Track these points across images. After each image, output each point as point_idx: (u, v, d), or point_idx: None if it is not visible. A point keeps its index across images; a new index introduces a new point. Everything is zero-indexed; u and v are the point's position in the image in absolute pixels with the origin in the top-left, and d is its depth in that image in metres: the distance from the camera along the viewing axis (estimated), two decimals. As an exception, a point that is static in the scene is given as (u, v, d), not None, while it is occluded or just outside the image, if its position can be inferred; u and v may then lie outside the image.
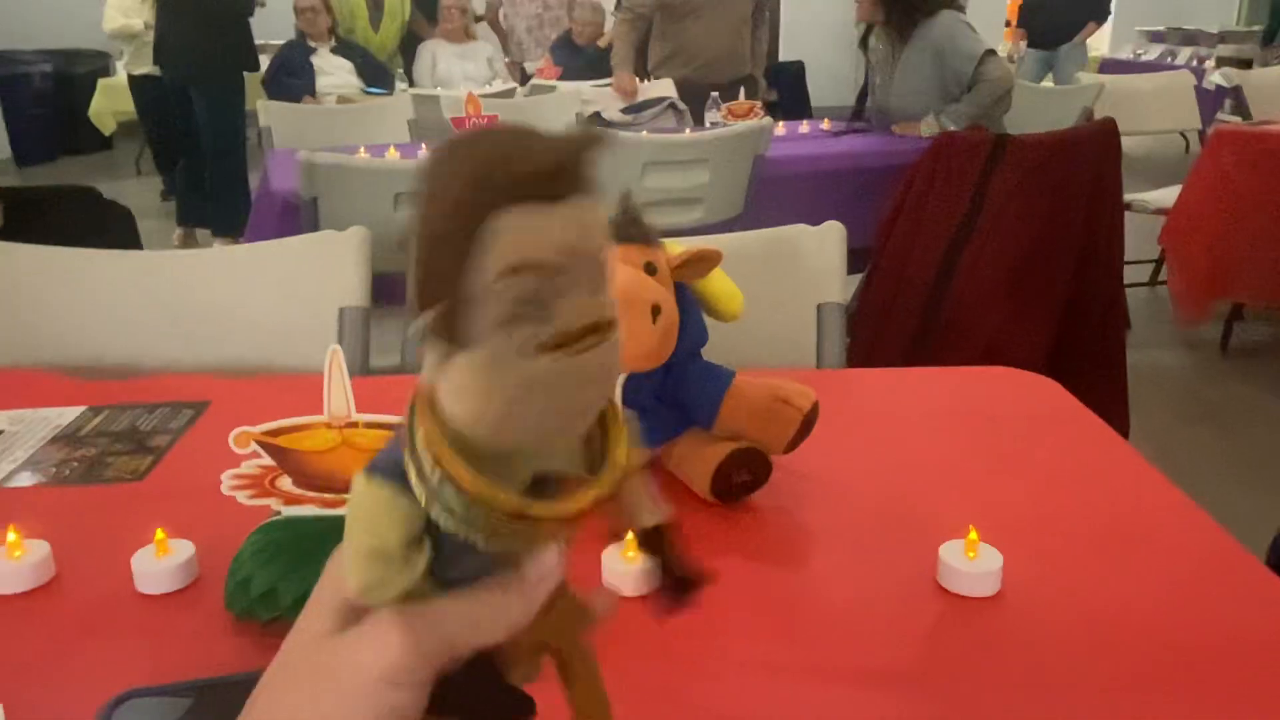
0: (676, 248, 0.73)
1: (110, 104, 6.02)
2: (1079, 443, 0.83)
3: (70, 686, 0.56)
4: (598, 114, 3.14)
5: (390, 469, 0.27)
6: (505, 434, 0.26)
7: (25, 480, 0.80)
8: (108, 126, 6.15)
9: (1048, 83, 5.86)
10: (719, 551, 0.68)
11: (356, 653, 0.29)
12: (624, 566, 0.63)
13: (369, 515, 0.28)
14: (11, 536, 0.65)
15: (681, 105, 3.26)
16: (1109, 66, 6.86)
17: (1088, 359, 2.05)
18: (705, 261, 0.72)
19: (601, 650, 0.57)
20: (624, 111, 3.20)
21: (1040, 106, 3.38)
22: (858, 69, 3.19)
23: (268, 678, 0.31)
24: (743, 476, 0.72)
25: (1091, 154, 2.10)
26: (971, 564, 0.62)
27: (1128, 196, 2.59)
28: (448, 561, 0.29)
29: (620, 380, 0.72)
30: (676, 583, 0.34)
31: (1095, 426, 0.85)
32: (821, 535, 0.70)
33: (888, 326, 2.09)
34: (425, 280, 0.24)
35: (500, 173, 0.23)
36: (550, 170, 0.23)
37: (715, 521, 0.72)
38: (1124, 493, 0.75)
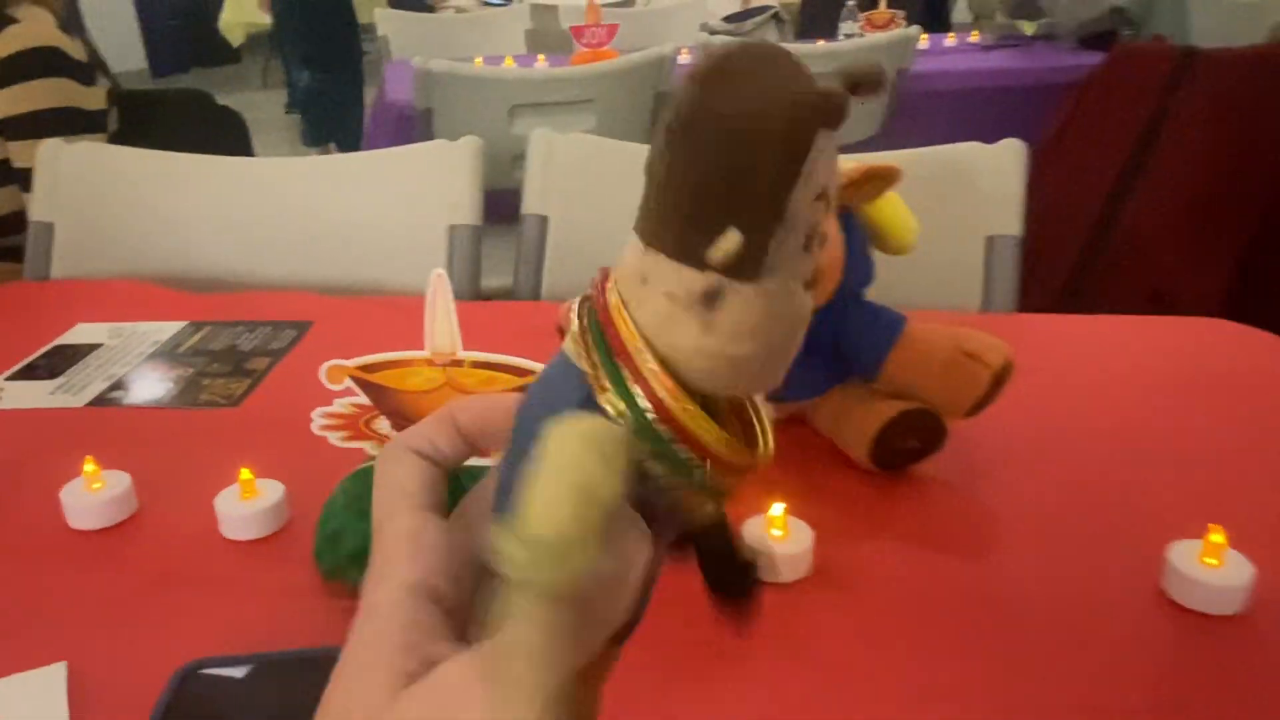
0: (847, 163, 0.60)
1: (239, 15, 6.09)
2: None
3: (141, 640, 0.50)
4: (705, 25, 2.97)
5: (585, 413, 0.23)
6: (760, 373, 0.23)
7: (118, 399, 0.75)
8: (236, 38, 6.24)
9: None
10: (874, 532, 0.57)
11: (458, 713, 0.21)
12: (771, 547, 0.52)
13: (581, 466, 0.22)
14: (89, 468, 0.59)
15: (784, 16, 3.05)
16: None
17: (1271, 307, 1.81)
18: (881, 180, 0.59)
19: (753, 645, 0.48)
20: (726, 20, 3.02)
21: (1236, 19, 3.00)
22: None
23: None
24: (910, 442, 0.60)
25: (1293, 74, 1.82)
26: (1211, 573, 0.49)
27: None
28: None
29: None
30: (737, 575, 0.29)
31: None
32: (1004, 520, 0.58)
33: (1039, 264, 1.89)
34: (731, 193, 0.21)
35: (818, 97, 0.21)
36: (845, 104, 0.21)
37: (872, 494, 0.60)
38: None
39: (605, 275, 0.25)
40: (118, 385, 0.77)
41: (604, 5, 2.96)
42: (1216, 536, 0.50)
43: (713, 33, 2.81)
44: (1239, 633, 0.48)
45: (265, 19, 5.18)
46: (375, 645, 0.24)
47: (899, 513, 0.59)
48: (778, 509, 0.53)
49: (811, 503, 0.55)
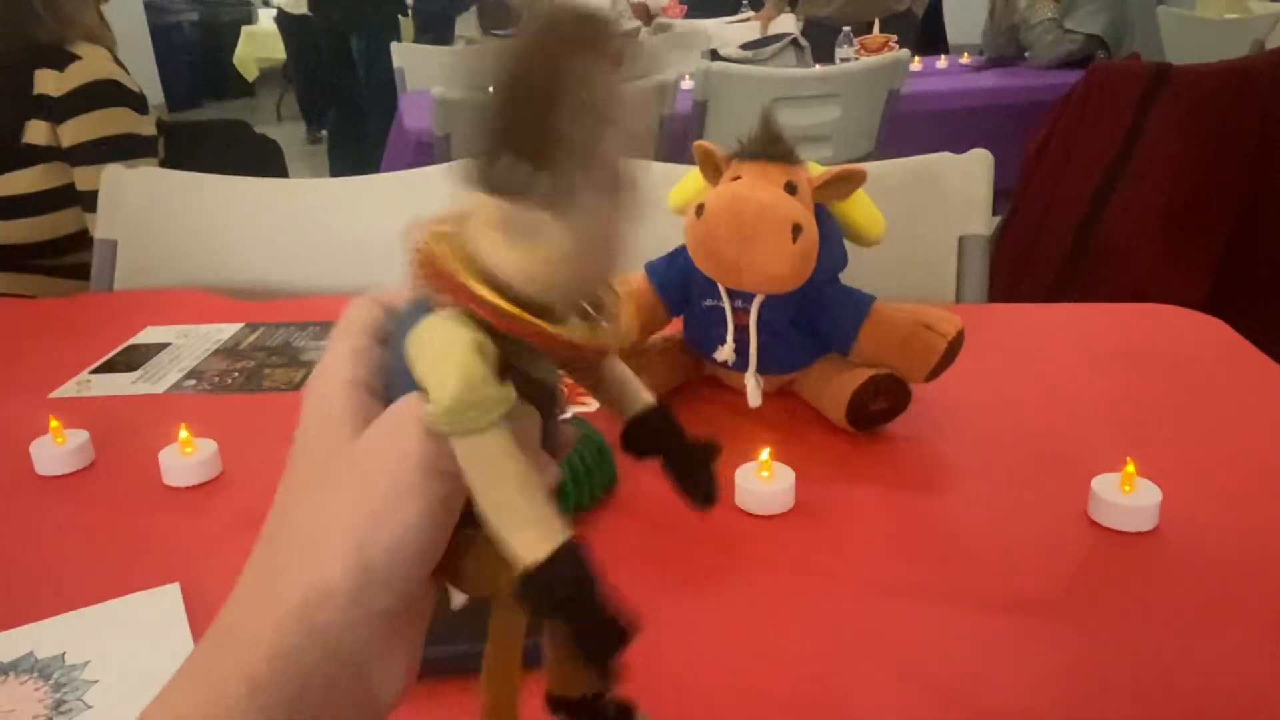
0: (818, 168, 0.71)
1: (253, 50, 6.28)
2: (1248, 382, 0.78)
3: (237, 570, 0.59)
4: (714, 51, 3.08)
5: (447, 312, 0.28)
6: (571, 280, 0.28)
7: (191, 387, 0.85)
8: (251, 73, 6.43)
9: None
10: (853, 479, 0.67)
11: (392, 444, 0.29)
12: (758, 486, 0.62)
13: (446, 343, 0.28)
14: (183, 434, 0.69)
15: (804, 42, 3.16)
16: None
17: (1252, 309, 1.91)
18: (849, 181, 0.70)
19: (740, 570, 0.58)
20: (743, 48, 3.13)
21: (1205, 37, 3.12)
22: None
23: (287, 495, 0.31)
24: (880, 404, 0.71)
25: (1265, 88, 1.93)
26: (1127, 498, 0.59)
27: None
28: None
29: (757, 303, 0.71)
30: (693, 459, 0.34)
31: (1265, 366, 0.79)
32: (962, 466, 0.68)
33: (1028, 269, 2.00)
34: (517, 124, 0.25)
35: (605, 37, 0.25)
36: (631, 47, 0.25)
37: (850, 449, 0.70)
38: (1297, 436, 0.70)
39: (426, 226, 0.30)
40: (190, 375, 0.88)
41: (609, 35, 3.08)
42: (1130, 468, 0.60)
43: (729, 60, 2.92)
44: (1152, 546, 0.58)
45: (279, 54, 5.33)
46: (328, 415, 0.31)
47: (869, 460, 0.69)
48: (764, 454, 0.63)
49: (795, 454, 0.65)
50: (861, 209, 0.73)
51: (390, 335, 0.32)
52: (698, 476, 0.34)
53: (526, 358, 0.29)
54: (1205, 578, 0.55)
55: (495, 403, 0.27)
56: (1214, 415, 0.73)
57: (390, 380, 0.31)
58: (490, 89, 0.26)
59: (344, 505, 0.29)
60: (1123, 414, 0.74)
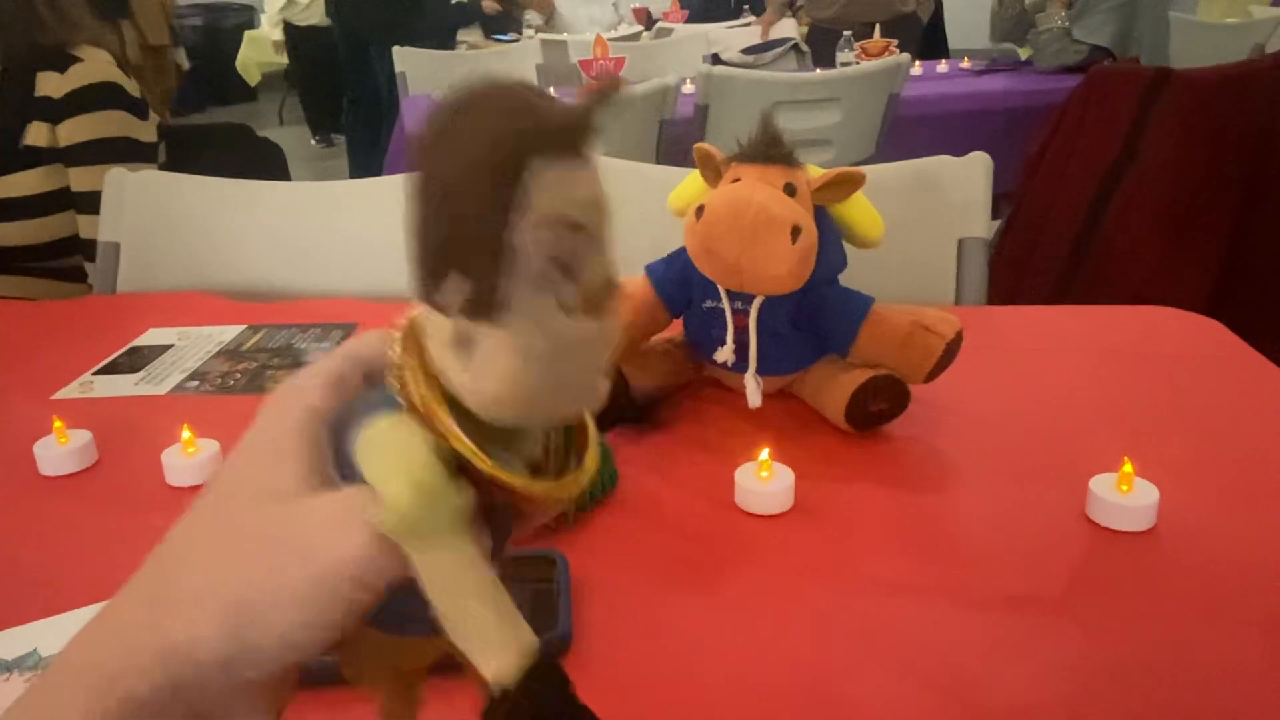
0: (817, 171, 0.71)
1: (256, 55, 6.28)
2: (1245, 382, 0.78)
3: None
4: (715, 55, 3.09)
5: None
6: (528, 406, 0.25)
7: (194, 388, 0.86)
8: (253, 77, 6.43)
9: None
10: (853, 478, 0.67)
11: (336, 541, 0.26)
12: (757, 486, 0.63)
13: (406, 447, 0.25)
14: (186, 434, 0.70)
15: (804, 47, 3.17)
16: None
17: (1254, 311, 1.91)
18: (847, 184, 0.70)
19: (740, 569, 0.58)
20: (745, 52, 3.14)
21: (1207, 42, 3.13)
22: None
23: (200, 516, 0.29)
24: (879, 405, 0.71)
25: (1264, 92, 1.93)
26: (1124, 497, 0.59)
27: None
28: None
29: (757, 304, 0.71)
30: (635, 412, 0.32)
31: (1262, 366, 0.80)
32: (962, 465, 0.69)
33: (1029, 272, 2.00)
34: (451, 239, 0.23)
35: (533, 125, 0.22)
36: (577, 125, 0.22)
37: (849, 449, 0.71)
38: (1295, 437, 0.70)
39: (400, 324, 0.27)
40: (193, 377, 0.88)
41: (611, 40, 3.10)
42: (1127, 468, 0.60)
43: (730, 65, 2.93)
44: (1149, 545, 0.58)
45: (281, 59, 5.34)
46: (275, 443, 0.28)
47: (869, 460, 0.69)
48: (764, 454, 0.63)
49: (795, 454, 0.66)
50: (860, 211, 0.73)
51: (357, 403, 0.29)
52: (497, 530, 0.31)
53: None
54: (1202, 576, 0.55)
55: (455, 509, 0.25)
56: (1211, 415, 0.73)
57: (342, 454, 0.28)
58: (425, 192, 0.23)
59: (250, 575, 0.26)
60: (1120, 414, 0.74)
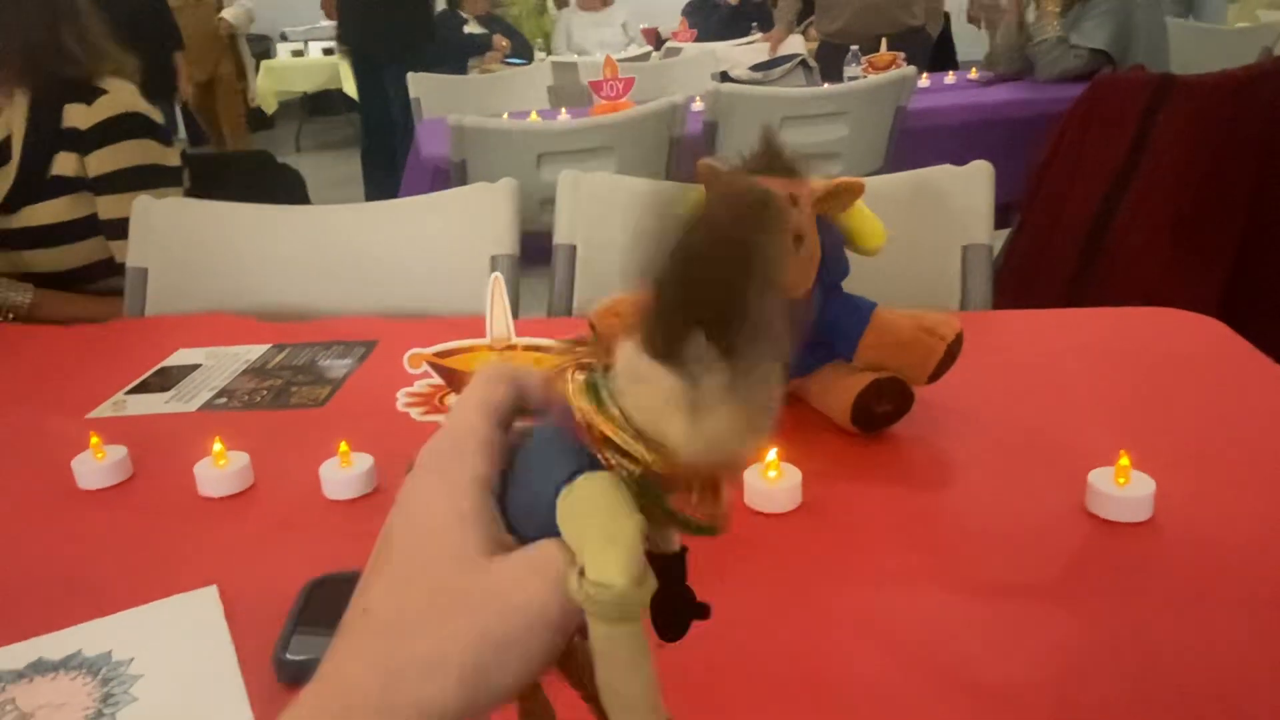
0: (819, 181, 0.74)
1: (272, 84, 6.39)
2: (1244, 380, 0.80)
3: (271, 572, 0.63)
4: (724, 73, 3.12)
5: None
6: (734, 452, 0.27)
7: (222, 405, 0.89)
8: (270, 105, 6.54)
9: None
10: (858, 476, 0.69)
11: (530, 592, 0.28)
12: (765, 485, 0.65)
13: (625, 532, 0.28)
14: (217, 447, 0.73)
15: (812, 63, 3.20)
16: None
17: (1262, 314, 1.91)
18: (848, 193, 0.72)
19: (749, 565, 0.60)
20: (753, 69, 3.17)
21: (1214, 47, 3.14)
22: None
23: (410, 580, 0.30)
24: (884, 407, 0.73)
25: (1269, 96, 1.94)
26: (1122, 490, 0.61)
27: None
28: None
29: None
30: (682, 609, 0.33)
31: (1258, 362, 0.81)
32: (964, 463, 0.71)
33: (1037, 280, 2.01)
34: (704, 304, 0.25)
35: (763, 204, 0.25)
36: (778, 209, 0.26)
37: (855, 450, 0.73)
38: (1293, 430, 0.72)
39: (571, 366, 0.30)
40: (221, 394, 0.91)
41: (620, 60, 3.15)
42: (1124, 461, 0.62)
43: (737, 83, 2.96)
44: (1146, 535, 0.60)
45: (297, 87, 5.40)
46: (458, 516, 0.30)
47: (873, 459, 0.71)
48: (772, 454, 0.66)
49: (802, 454, 0.68)
50: (862, 220, 0.76)
51: (521, 443, 0.32)
52: (675, 621, 0.33)
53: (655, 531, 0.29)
54: (1196, 565, 0.57)
55: (647, 595, 0.28)
56: (1208, 410, 0.75)
57: (515, 498, 0.31)
58: (674, 259, 0.25)
59: (473, 636, 0.28)
60: (1119, 410, 0.76)
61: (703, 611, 0.32)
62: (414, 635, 0.29)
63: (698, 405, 0.26)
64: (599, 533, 0.28)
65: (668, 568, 0.31)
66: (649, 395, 0.27)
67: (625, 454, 0.28)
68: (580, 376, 0.29)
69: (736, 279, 0.25)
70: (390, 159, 4.23)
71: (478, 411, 0.33)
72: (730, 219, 0.25)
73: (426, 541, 0.30)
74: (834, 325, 0.74)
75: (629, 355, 0.27)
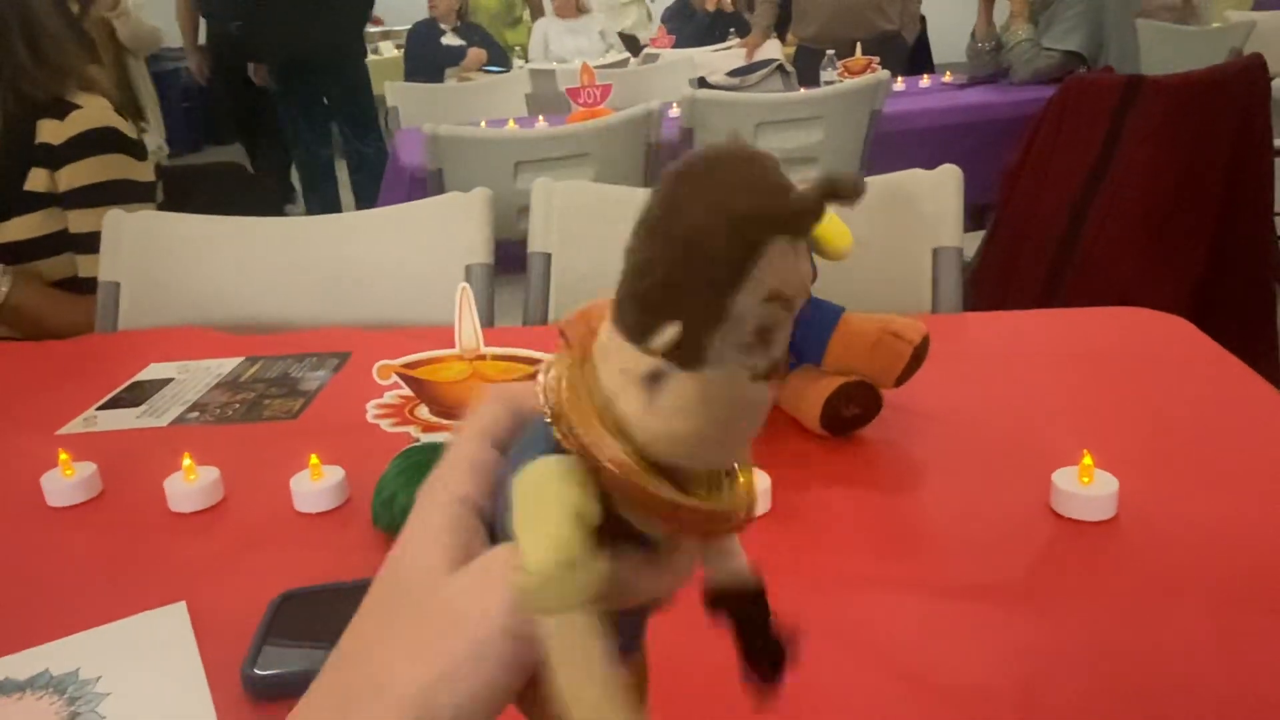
0: (785, 187, 0.74)
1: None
2: (1209, 378, 0.81)
3: (240, 588, 0.62)
4: (702, 79, 3.13)
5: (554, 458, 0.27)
6: (694, 450, 0.26)
7: (194, 419, 0.89)
8: (247, 116, 6.51)
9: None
10: (828, 480, 0.70)
11: (476, 601, 0.27)
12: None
13: (552, 512, 0.26)
14: (187, 462, 0.73)
15: (789, 68, 3.21)
16: (1265, 2, 6.33)
17: (1233, 313, 1.94)
18: (813, 199, 0.73)
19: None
20: (730, 75, 3.19)
21: (1185, 48, 3.18)
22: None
23: (373, 609, 0.30)
24: (852, 410, 0.74)
25: (1237, 95, 1.97)
26: (1085, 489, 0.62)
27: (1278, 141, 2.42)
28: None
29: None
30: (769, 651, 0.33)
31: (1223, 360, 0.83)
32: (932, 465, 0.71)
33: (1012, 282, 2.03)
34: (678, 288, 0.24)
35: (777, 206, 0.24)
36: (811, 211, 0.24)
37: (824, 453, 0.73)
38: (1257, 427, 0.73)
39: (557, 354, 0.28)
40: (193, 408, 0.91)
41: (597, 67, 3.15)
42: (1088, 460, 0.63)
43: (714, 88, 2.96)
44: (1110, 533, 0.61)
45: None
46: (431, 531, 0.29)
47: (842, 463, 0.72)
48: (741, 460, 0.66)
49: (771, 459, 0.68)
50: (826, 224, 0.76)
51: (511, 451, 0.31)
52: (769, 665, 0.33)
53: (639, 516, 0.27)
54: (1158, 562, 0.58)
55: (584, 585, 0.26)
56: (1172, 408, 0.76)
57: (501, 504, 0.29)
58: (663, 239, 0.24)
59: (417, 658, 0.27)
60: (1083, 410, 0.77)
61: (784, 653, 0.31)
62: (363, 662, 0.28)
63: (659, 387, 0.25)
64: (529, 516, 0.26)
65: (745, 606, 0.30)
66: (613, 370, 0.26)
67: (581, 432, 0.26)
68: (552, 362, 0.28)
69: (725, 276, 0.23)
70: (328, 161, 3.82)
71: (469, 433, 0.32)
72: (735, 214, 0.23)
73: (398, 563, 0.30)
74: (802, 330, 0.75)
75: (607, 329, 0.26)
